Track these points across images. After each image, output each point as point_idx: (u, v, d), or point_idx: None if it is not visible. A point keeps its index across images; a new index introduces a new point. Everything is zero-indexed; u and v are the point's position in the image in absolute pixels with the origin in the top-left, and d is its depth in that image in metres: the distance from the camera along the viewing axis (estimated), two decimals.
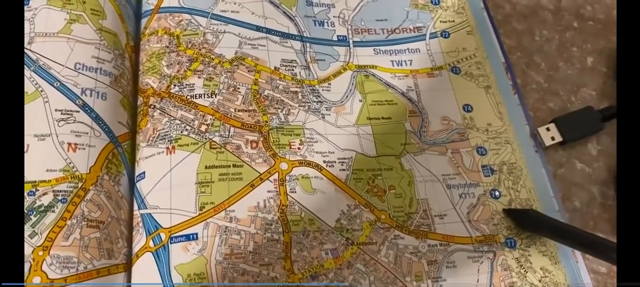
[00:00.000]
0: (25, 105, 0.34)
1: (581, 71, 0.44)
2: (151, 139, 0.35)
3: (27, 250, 0.30)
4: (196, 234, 0.32)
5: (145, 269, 0.32)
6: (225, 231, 0.33)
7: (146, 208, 0.33)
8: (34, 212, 0.31)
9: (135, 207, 0.34)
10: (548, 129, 0.40)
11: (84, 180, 0.33)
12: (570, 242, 0.33)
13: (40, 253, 0.30)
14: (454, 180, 0.37)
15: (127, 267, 0.33)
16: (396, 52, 0.42)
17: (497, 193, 0.37)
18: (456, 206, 0.36)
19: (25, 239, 0.30)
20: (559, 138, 0.40)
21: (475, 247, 0.35)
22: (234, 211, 0.33)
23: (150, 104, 0.37)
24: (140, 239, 0.33)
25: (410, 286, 0.33)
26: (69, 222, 0.31)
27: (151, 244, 0.32)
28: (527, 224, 0.35)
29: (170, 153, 0.35)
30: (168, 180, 0.34)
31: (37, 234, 0.31)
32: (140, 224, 0.33)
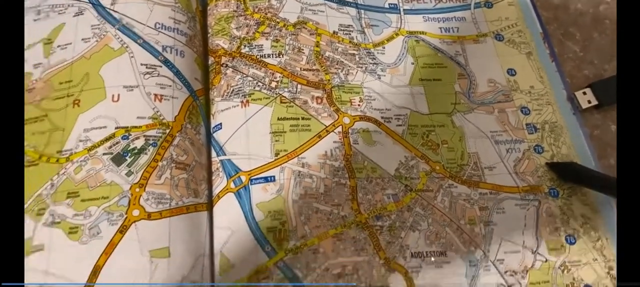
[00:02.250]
0: (112, 60, 0.37)
1: (613, 42, 0.48)
2: (225, 94, 0.39)
3: (125, 187, 0.34)
4: (273, 176, 0.36)
5: (227, 207, 0.35)
6: (298, 175, 0.36)
7: (225, 155, 0.37)
8: (129, 154, 0.34)
9: (214, 154, 0.38)
10: (584, 93, 0.44)
11: (170, 127, 0.36)
12: (609, 191, 0.37)
13: (137, 189, 0.33)
14: (501, 136, 0.41)
15: (209, 207, 0.36)
16: (444, 19, 0.45)
17: (540, 149, 0.41)
18: (503, 159, 0.40)
19: (122, 177, 0.34)
20: (594, 102, 0.43)
21: (522, 196, 0.38)
22: (305, 157, 0.37)
23: (223, 63, 0.40)
24: (220, 182, 0.36)
25: (465, 229, 0.37)
26: (160, 163, 0.35)
27: (232, 185, 0.36)
28: (569, 176, 0.39)
29: (245, 106, 0.38)
30: (244, 130, 0.37)
31: (133, 173, 0.34)
32: (220, 169, 0.37)
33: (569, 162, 0.39)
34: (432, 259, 0.35)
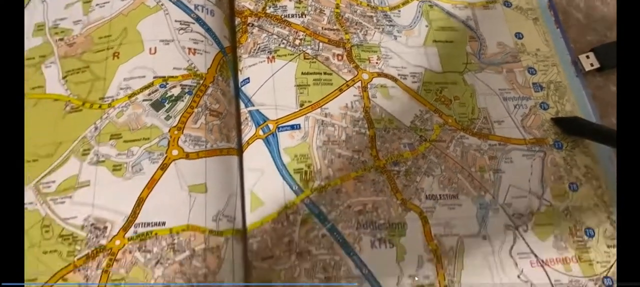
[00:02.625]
0: (148, 17, 0.40)
1: (616, 10, 0.50)
2: (252, 51, 0.42)
3: (164, 129, 0.37)
4: (299, 124, 0.39)
5: (256, 152, 0.38)
6: (322, 124, 0.39)
7: (253, 106, 0.40)
8: (167, 101, 0.37)
9: (242, 106, 0.41)
10: (587, 57, 0.46)
11: (204, 78, 0.39)
12: (610, 142, 0.40)
13: (176, 132, 0.36)
14: (509, 94, 0.44)
15: (239, 152, 0.39)
16: None
17: (545, 105, 0.44)
18: (511, 114, 0.43)
19: (161, 121, 0.37)
20: (596, 65, 0.46)
21: (528, 148, 0.41)
22: (327, 108, 0.40)
23: (249, 23, 0.43)
24: (249, 131, 0.39)
25: (475, 176, 0.40)
26: (196, 110, 0.37)
27: (260, 132, 0.39)
28: (573, 129, 0.42)
29: (271, 62, 0.41)
30: (271, 83, 0.40)
31: (171, 117, 0.37)
32: (249, 119, 0.40)
33: (573, 116, 0.42)
34: (445, 201, 0.38)
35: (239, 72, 0.42)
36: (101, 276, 0.32)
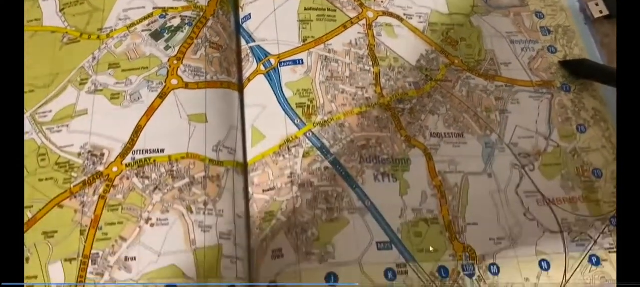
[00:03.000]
0: None
1: None
2: None
3: (164, 59, 0.36)
4: (302, 59, 0.38)
5: (257, 87, 0.37)
6: (325, 59, 0.38)
7: (254, 41, 0.39)
8: (167, 31, 0.37)
9: (243, 42, 0.40)
10: (596, 4, 0.46)
11: (204, 10, 0.38)
12: None
13: (175, 62, 0.36)
14: (516, 37, 0.43)
15: (240, 89, 0.38)
16: None
17: (553, 49, 0.43)
18: (518, 57, 0.42)
19: (160, 51, 0.36)
20: (606, 12, 0.45)
21: (535, 90, 0.40)
22: (331, 44, 0.39)
23: None
24: (251, 66, 0.38)
25: (481, 116, 0.39)
26: (196, 41, 0.37)
27: (262, 68, 0.38)
28: (582, 71, 0.41)
29: None
30: (273, 19, 0.39)
31: (170, 47, 0.36)
32: (250, 55, 0.39)
33: (581, 58, 0.41)
34: (450, 139, 0.37)
35: (240, 9, 0.41)
36: (98, 202, 0.32)
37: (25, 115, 0.35)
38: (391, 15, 0.41)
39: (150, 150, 0.33)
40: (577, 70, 0.41)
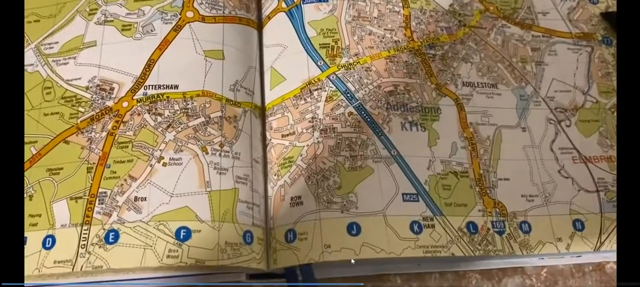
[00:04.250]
0: None
1: None
2: None
3: None
4: None
5: (278, 26, 0.35)
6: None
7: None
8: None
9: None
10: None
11: None
12: None
13: None
14: None
15: (259, 27, 0.35)
16: None
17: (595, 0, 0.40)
18: (557, 6, 0.39)
19: None
20: None
21: (574, 41, 0.38)
22: None
23: None
24: (271, 4, 0.35)
25: (516, 66, 0.36)
26: None
27: (283, 5, 0.35)
28: None
29: None
30: None
31: None
32: None
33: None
34: (483, 89, 0.35)
35: None
36: (106, 139, 0.29)
37: (30, 46, 0.33)
38: None
39: (163, 85, 0.30)
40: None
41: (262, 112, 0.33)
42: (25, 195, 0.29)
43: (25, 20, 0.34)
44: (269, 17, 0.35)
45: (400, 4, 0.36)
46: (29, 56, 0.32)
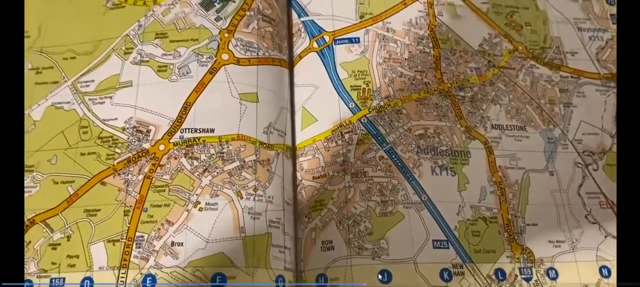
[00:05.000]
0: None
1: None
2: None
3: (214, 31, 0.33)
4: (358, 38, 0.35)
5: (309, 66, 0.35)
6: (383, 39, 0.35)
7: (307, 16, 0.36)
8: (218, 1, 0.34)
9: (295, 16, 0.37)
10: None
11: None
12: None
13: (226, 35, 0.33)
14: (584, 24, 0.40)
15: (290, 65, 0.36)
16: None
17: None
18: (586, 46, 0.39)
19: (211, 22, 0.33)
20: None
21: (602, 82, 0.38)
22: (390, 23, 0.36)
23: None
24: (302, 42, 0.36)
25: (544, 108, 0.36)
26: (248, 13, 0.34)
27: (315, 45, 0.35)
28: None
29: None
30: None
31: (221, 18, 0.34)
32: (302, 30, 0.36)
33: None
34: (512, 132, 0.35)
35: None
36: (143, 182, 0.30)
37: (67, 84, 0.33)
38: None
39: (199, 129, 0.31)
40: None
41: (292, 152, 0.33)
42: (63, 235, 0.30)
43: (62, 56, 0.34)
44: (300, 56, 0.35)
45: (431, 44, 0.36)
46: (66, 94, 0.33)
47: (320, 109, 0.34)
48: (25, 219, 0.30)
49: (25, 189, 0.31)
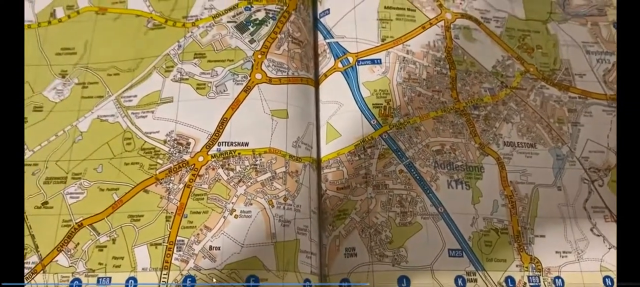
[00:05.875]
0: None
1: None
2: None
3: (248, 52, 0.36)
4: (380, 59, 0.38)
5: (334, 84, 0.38)
6: (403, 60, 0.38)
7: (333, 38, 0.39)
8: (252, 24, 0.37)
9: (320, 37, 0.40)
10: None
11: (287, 4, 0.38)
12: None
13: (259, 56, 0.36)
14: (592, 47, 0.42)
15: (315, 83, 0.39)
16: None
17: None
18: (593, 68, 0.41)
19: (245, 44, 0.36)
20: None
21: (609, 103, 0.40)
22: (409, 45, 0.39)
23: None
24: (328, 62, 0.39)
25: (553, 126, 0.39)
26: (279, 35, 0.37)
27: (339, 65, 0.38)
28: None
29: None
30: (352, 16, 0.39)
31: (255, 41, 0.37)
32: (327, 50, 0.39)
33: None
34: (523, 149, 0.37)
35: (319, 3, 0.41)
36: (183, 190, 0.33)
37: (111, 98, 0.36)
38: (469, 17, 0.41)
39: (235, 142, 0.34)
40: None
41: (317, 164, 0.36)
42: (109, 238, 0.33)
43: (106, 72, 0.37)
44: (325, 75, 0.38)
45: (447, 66, 0.39)
46: (110, 107, 0.36)
47: (344, 124, 0.37)
48: (74, 223, 0.33)
49: (73, 195, 0.34)
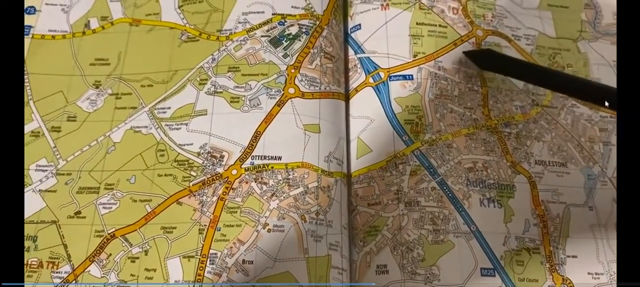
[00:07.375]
0: None
1: None
2: None
3: (282, 67, 0.37)
4: (411, 75, 0.38)
5: (365, 99, 0.38)
6: (435, 77, 0.38)
7: (364, 53, 0.39)
8: (285, 39, 0.37)
9: (351, 52, 0.40)
10: None
11: (320, 19, 0.38)
12: (528, 77, 0.38)
13: (293, 70, 0.36)
14: None
15: (346, 98, 0.39)
16: None
17: None
18: None
19: (279, 58, 0.37)
20: None
21: None
22: (441, 62, 0.39)
23: None
24: (358, 77, 0.39)
25: (585, 146, 0.39)
26: (312, 50, 0.37)
27: (371, 80, 0.38)
28: (486, 63, 0.39)
29: (385, 9, 0.40)
30: (384, 31, 0.40)
31: (289, 55, 0.37)
32: (358, 65, 0.39)
33: (486, 48, 0.40)
34: (554, 168, 0.37)
35: (350, 18, 0.41)
36: (217, 203, 0.33)
37: (144, 109, 0.36)
38: (500, 35, 0.41)
39: (268, 156, 0.34)
40: (482, 62, 0.39)
41: (348, 179, 0.36)
42: (141, 249, 0.33)
43: (139, 84, 0.37)
44: (356, 90, 0.38)
45: (479, 83, 0.39)
46: (143, 118, 0.36)
47: (375, 140, 0.37)
48: (106, 233, 0.33)
49: (106, 206, 0.34)
